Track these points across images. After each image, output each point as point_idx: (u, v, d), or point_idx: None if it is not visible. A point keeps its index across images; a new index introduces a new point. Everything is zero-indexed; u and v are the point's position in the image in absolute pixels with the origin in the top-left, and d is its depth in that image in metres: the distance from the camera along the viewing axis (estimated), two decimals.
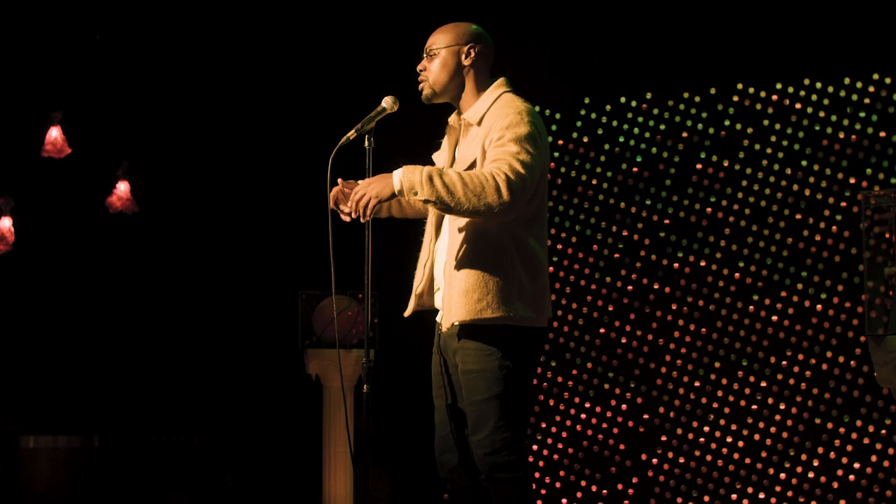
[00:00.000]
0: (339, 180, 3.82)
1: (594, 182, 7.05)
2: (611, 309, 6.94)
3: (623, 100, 6.99)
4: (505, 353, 3.64)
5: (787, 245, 6.51)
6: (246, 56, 7.53)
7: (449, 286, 3.69)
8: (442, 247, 3.79)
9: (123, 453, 7.31)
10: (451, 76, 3.81)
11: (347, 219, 3.82)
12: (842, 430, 6.26)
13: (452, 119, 3.90)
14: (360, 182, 3.69)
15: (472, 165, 3.69)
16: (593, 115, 7.09)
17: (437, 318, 3.85)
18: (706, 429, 6.62)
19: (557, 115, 7.17)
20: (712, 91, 6.76)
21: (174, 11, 7.34)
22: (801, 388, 6.40)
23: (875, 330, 5.31)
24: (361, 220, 3.68)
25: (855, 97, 6.38)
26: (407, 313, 3.91)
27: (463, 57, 3.80)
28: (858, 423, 6.24)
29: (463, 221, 3.68)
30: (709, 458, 6.60)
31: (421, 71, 3.85)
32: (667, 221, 6.83)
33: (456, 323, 3.67)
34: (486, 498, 3.73)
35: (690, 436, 6.65)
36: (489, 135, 3.65)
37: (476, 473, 3.73)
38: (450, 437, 3.78)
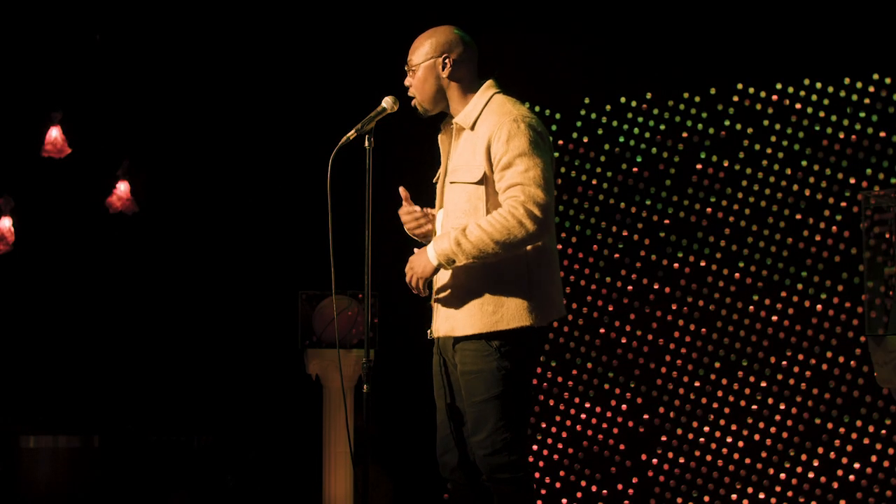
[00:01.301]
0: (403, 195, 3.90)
1: (594, 182, 7.05)
2: (611, 309, 6.94)
3: (623, 100, 6.99)
4: (503, 353, 3.63)
5: (787, 245, 6.51)
6: (246, 56, 7.52)
7: (460, 297, 3.68)
8: None
9: (123, 453, 7.31)
10: (434, 90, 3.79)
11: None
12: (842, 430, 6.26)
13: (444, 124, 3.89)
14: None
15: (483, 180, 3.65)
16: (593, 115, 7.08)
17: (433, 327, 3.82)
18: (706, 429, 6.62)
19: (557, 115, 7.17)
20: (712, 91, 6.76)
21: (174, 11, 7.34)
22: (801, 388, 6.40)
23: (875, 330, 5.31)
24: (422, 295, 3.74)
25: (855, 97, 6.38)
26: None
27: (440, 69, 3.77)
28: (858, 423, 6.23)
29: (466, 224, 3.66)
30: (709, 458, 6.60)
31: (409, 87, 3.84)
32: (667, 221, 6.83)
33: (470, 334, 3.66)
34: (487, 498, 3.73)
35: (690, 436, 6.65)
36: (494, 151, 3.62)
37: (477, 473, 3.73)
38: (450, 438, 3.77)
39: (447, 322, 3.71)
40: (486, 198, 3.65)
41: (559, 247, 7.09)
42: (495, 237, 3.52)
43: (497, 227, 3.52)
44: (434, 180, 3.93)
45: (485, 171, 3.64)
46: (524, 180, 3.55)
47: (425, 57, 3.77)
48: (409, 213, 3.87)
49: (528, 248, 3.63)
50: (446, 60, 3.76)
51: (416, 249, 3.77)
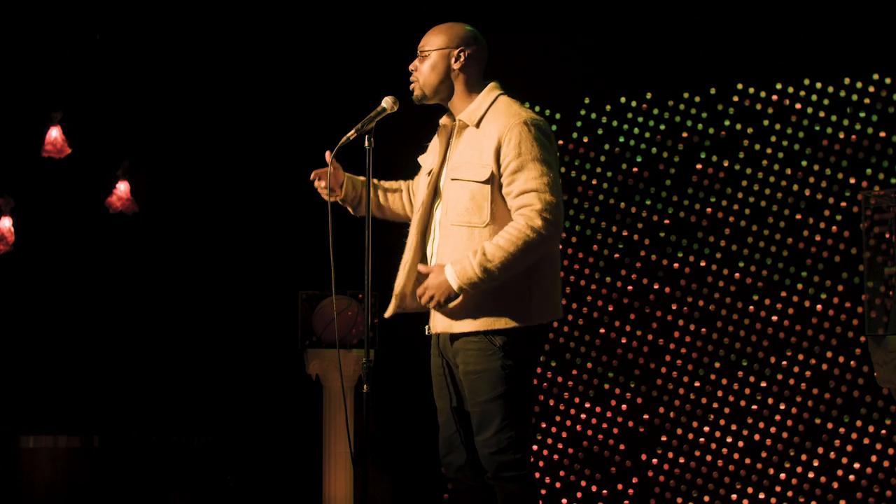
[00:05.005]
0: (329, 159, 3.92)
1: (594, 182, 7.05)
2: (611, 309, 6.94)
3: (623, 100, 6.99)
4: (507, 352, 3.65)
5: (787, 245, 6.51)
6: (246, 56, 7.52)
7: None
8: (442, 253, 3.75)
9: (123, 453, 7.31)
10: (440, 79, 3.81)
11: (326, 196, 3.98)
12: (842, 430, 6.26)
13: (444, 120, 3.90)
14: (423, 282, 3.70)
15: (490, 180, 3.64)
16: (593, 115, 7.08)
17: (431, 324, 3.83)
18: (706, 429, 6.62)
19: (557, 115, 7.17)
20: (712, 91, 6.76)
21: (174, 11, 7.34)
22: (801, 388, 6.40)
23: (875, 330, 5.31)
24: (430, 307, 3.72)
25: (855, 97, 6.38)
26: (388, 314, 3.91)
27: (453, 60, 3.79)
28: (858, 423, 6.23)
29: (463, 228, 3.67)
30: (709, 458, 6.60)
31: (412, 71, 3.84)
32: (667, 221, 6.83)
33: (468, 331, 3.66)
34: (492, 497, 3.74)
35: (690, 436, 6.65)
36: (504, 153, 3.62)
37: (482, 472, 3.74)
38: (455, 438, 3.79)
39: (445, 319, 3.71)
40: (492, 198, 3.66)
41: (559, 246, 7.08)
42: (515, 253, 3.56)
43: (513, 241, 3.56)
44: (427, 173, 3.92)
45: (492, 171, 3.65)
46: (538, 186, 3.58)
47: (441, 45, 3.79)
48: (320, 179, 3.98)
49: None
50: (461, 53, 3.79)
51: (421, 267, 3.73)
